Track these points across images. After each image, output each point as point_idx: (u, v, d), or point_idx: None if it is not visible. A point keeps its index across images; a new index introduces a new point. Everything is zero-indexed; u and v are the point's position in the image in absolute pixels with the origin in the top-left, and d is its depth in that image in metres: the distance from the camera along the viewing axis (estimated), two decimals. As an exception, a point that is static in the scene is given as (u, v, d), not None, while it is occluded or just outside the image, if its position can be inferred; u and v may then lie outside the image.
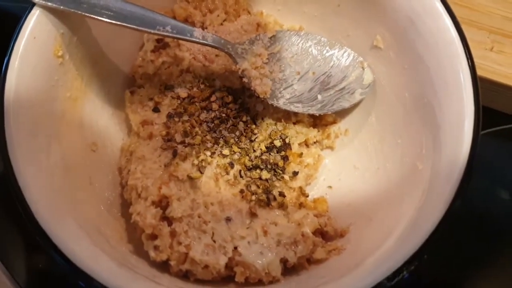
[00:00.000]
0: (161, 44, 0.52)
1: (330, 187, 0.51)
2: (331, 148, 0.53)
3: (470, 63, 0.39)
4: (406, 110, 0.45)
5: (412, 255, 0.34)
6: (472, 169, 0.36)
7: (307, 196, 0.50)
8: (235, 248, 0.43)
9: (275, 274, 0.42)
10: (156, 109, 0.51)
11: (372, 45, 0.48)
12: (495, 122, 0.57)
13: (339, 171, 0.52)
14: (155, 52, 0.52)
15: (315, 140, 0.52)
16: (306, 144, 0.52)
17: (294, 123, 0.52)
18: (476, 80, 0.39)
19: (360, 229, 0.46)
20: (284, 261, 0.43)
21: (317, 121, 0.53)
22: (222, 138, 0.49)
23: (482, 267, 0.51)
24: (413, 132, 0.44)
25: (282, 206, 0.48)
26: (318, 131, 0.53)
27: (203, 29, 0.52)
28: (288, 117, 0.51)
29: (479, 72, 0.54)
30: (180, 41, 0.51)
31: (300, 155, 0.51)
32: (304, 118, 0.52)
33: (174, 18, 0.51)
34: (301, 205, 0.49)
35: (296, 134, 0.51)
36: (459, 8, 0.58)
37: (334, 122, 0.53)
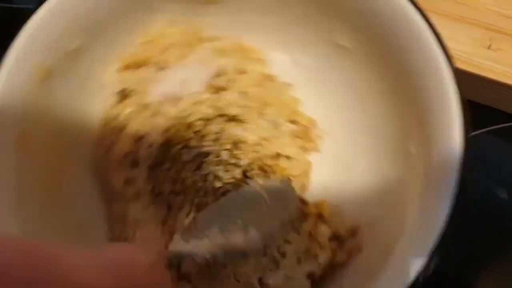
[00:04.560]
0: (124, 94, 0.51)
1: (326, 188, 0.51)
2: (317, 150, 0.53)
3: (444, 53, 0.39)
4: (384, 102, 0.45)
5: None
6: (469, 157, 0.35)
7: (307, 204, 0.50)
8: (260, 279, 0.43)
9: (307, 290, 0.42)
10: (134, 164, 0.49)
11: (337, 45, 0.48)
12: (494, 121, 0.56)
13: (331, 172, 0.52)
14: (119, 104, 0.51)
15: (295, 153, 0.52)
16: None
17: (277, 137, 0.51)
18: (452, 65, 0.38)
19: (368, 224, 0.46)
20: (310, 276, 0.43)
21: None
22: (211, 173, 0.49)
23: (480, 266, 0.52)
24: (396, 119, 0.44)
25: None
26: (300, 138, 0.52)
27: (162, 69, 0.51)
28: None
29: (477, 71, 0.54)
30: (144, 88, 0.50)
31: (285, 169, 0.51)
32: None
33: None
34: (305, 215, 0.49)
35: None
36: (456, 5, 0.57)
37: (312, 125, 0.53)
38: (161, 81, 0.50)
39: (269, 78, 0.54)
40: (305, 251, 0.44)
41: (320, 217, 0.47)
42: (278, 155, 0.51)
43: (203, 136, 0.50)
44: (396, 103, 0.43)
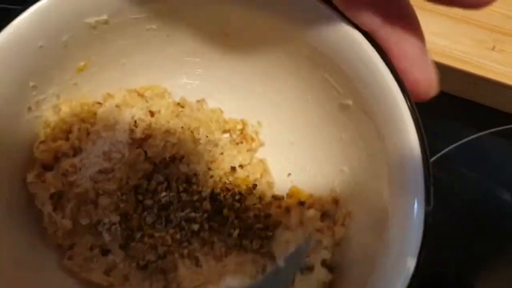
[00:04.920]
0: (58, 196, 0.47)
1: (289, 174, 0.52)
2: (262, 145, 0.53)
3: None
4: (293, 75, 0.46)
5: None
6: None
7: (283, 198, 0.50)
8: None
9: (328, 279, 0.42)
10: (105, 252, 0.46)
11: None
12: (497, 122, 0.56)
13: (284, 157, 0.52)
14: (57, 208, 0.47)
15: (246, 158, 0.51)
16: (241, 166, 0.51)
17: (222, 153, 0.51)
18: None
19: (342, 185, 0.47)
20: (324, 263, 0.43)
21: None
22: (182, 219, 0.46)
23: (480, 266, 0.52)
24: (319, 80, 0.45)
25: (275, 226, 0.47)
26: (241, 142, 0.52)
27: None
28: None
29: (480, 72, 0.53)
30: (72, 180, 0.46)
31: (247, 177, 0.50)
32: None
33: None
34: (287, 209, 0.49)
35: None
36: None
37: (244, 124, 0.53)
38: (84, 166, 0.47)
39: (180, 104, 0.52)
40: (307, 245, 0.44)
41: (301, 204, 0.48)
42: (232, 169, 0.50)
43: (154, 191, 0.48)
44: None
